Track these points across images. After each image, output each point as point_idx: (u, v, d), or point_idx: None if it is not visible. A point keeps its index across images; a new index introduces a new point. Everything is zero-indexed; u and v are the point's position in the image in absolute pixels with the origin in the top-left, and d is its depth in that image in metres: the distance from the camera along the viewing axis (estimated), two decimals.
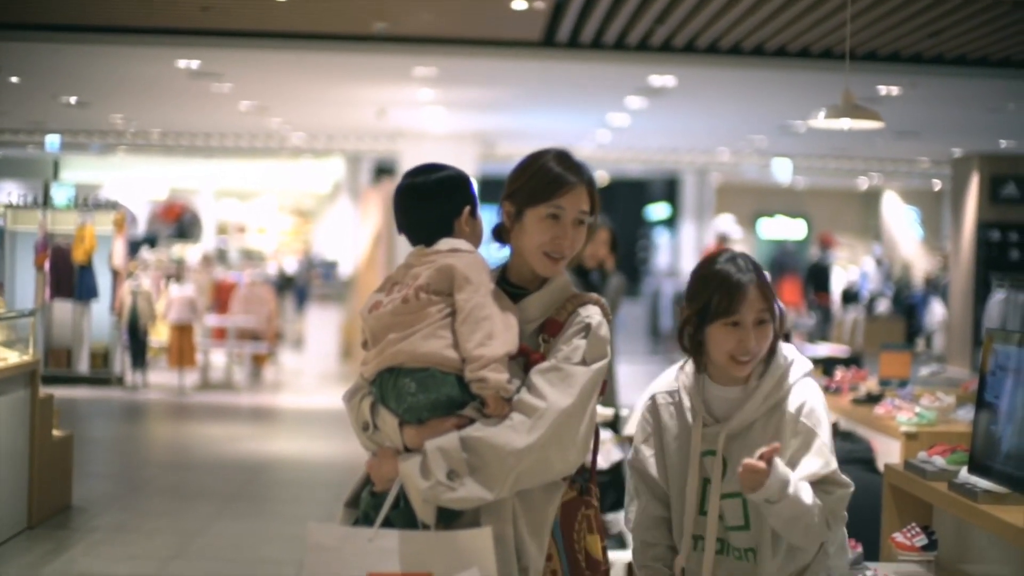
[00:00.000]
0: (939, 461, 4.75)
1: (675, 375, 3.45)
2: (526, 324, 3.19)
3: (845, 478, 3.23)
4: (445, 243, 3.23)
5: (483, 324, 3.09)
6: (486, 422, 3.06)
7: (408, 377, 3.12)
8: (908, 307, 22.82)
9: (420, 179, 3.27)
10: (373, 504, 3.15)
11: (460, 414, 3.09)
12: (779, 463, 3.11)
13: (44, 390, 8.38)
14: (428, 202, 3.27)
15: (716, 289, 3.24)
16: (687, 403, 3.37)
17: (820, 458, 3.22)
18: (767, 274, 3.34)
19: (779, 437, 3.24)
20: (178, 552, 7.87)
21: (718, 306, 3.24)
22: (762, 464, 3.08)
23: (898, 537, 4.70)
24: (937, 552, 4.66)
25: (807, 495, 3.16)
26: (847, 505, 3.25)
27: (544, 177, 3.21)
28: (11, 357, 7.91)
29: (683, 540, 3.35)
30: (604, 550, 3.28)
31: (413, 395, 3.11)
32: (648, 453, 3.42)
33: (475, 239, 3.28)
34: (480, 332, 3.07)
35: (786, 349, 3.34)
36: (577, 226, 3.21)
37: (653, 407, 3.46)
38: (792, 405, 3.26)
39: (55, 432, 8.54)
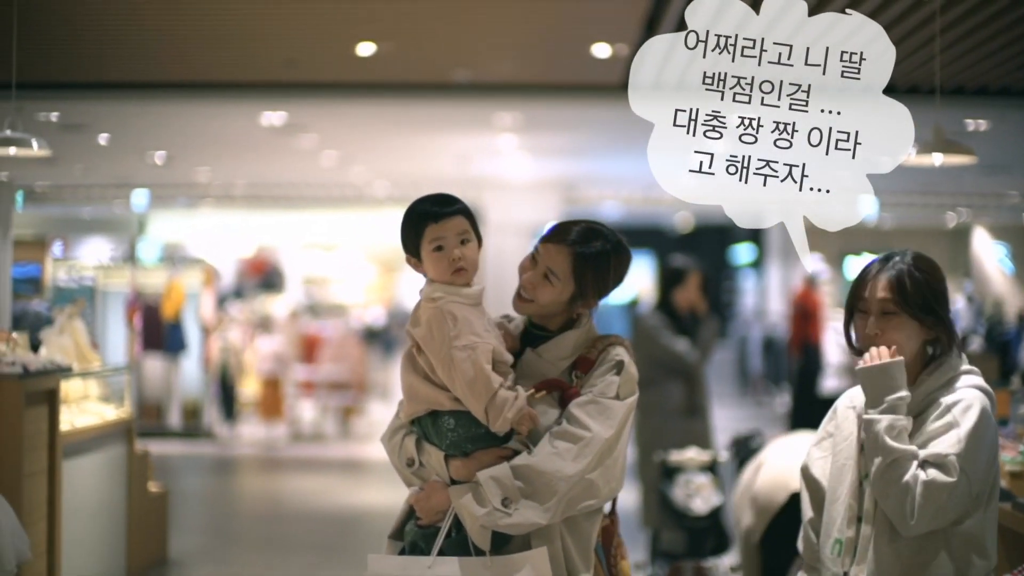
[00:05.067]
0: None
1: None
2: (560, 360, 3.44)
3: (953, 473, 3.19)
4: (423, 289, 3.50)
5: (461, 375, 3.26)
6: (532, 452, 3.28)
7: (447, 415, 3.33)
8: (1001, 344, 22.42)
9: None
10: (421, 535, 3.36)
11: (505, 446, 3.32)
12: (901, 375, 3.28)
13: (139, 445, 8.45)
14: None
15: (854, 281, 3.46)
16: (861, 402, 3.47)
17: (949, 445, 3.23)
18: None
19: (925, 422, 3.31)
20: None
21: (850, 295, 3.46)
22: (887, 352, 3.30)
23: None
24: None
25: (906, 446, 3.23)
26: (942, 505, 3.19)
27: None
28: (107, 413, 7.98)
29: (828, 542, 3.42)
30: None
31: (453, 430, 3.33)
32: (817, 455, 3.54)
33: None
34: (468, 389, 3.26)
35: (967, 366, 3.40)
36: (544, 278, 3.48)
37: (833, 413, 3.60)
38: (950, 399, 3.31)
39: (151, 487, 8.60)
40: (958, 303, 24.86)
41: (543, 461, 3.23)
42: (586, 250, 3.44)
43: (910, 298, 3.35)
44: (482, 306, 3.42)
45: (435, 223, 3.40)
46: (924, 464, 3.21)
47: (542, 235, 3.52)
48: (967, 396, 3.29)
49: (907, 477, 3.19)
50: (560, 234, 3.47)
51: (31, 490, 6.48)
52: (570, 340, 3.45)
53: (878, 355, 3.33)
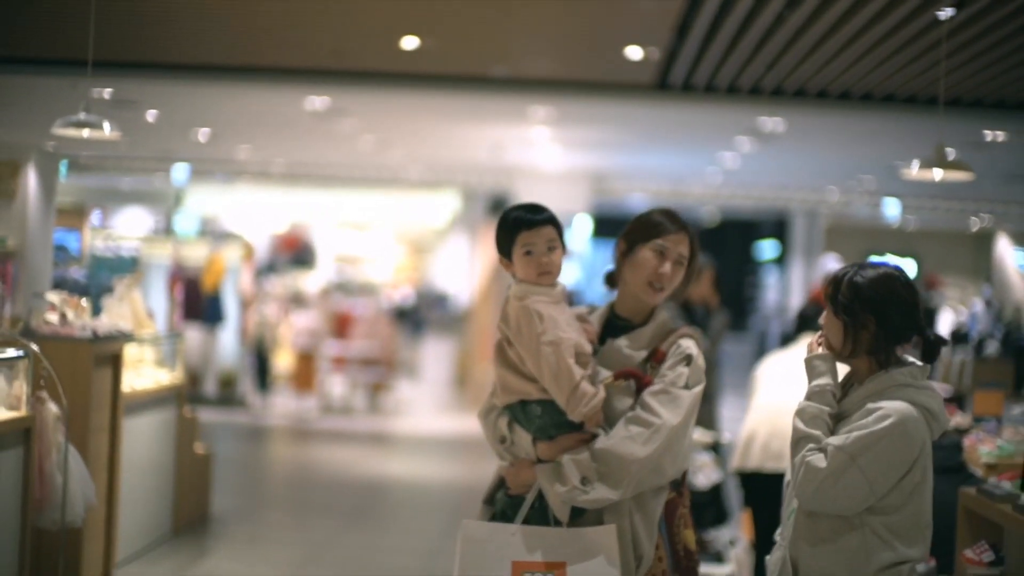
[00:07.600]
0: (1007, 485, 5.14)
1: None
2: (636, 351, 3.87)
3: (827, 461, 3.46)
4: (512, 289, 3.90)
5: (547, 367, 3.71)
6: (608, 435, 3.72)
7: (535, 403, 3.80)
8: (1018, 349, 22.56)
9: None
10: (510, 504, 3.83)
11: (584, 431, 3.76)
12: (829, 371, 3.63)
13: (187, 409, 8.96)
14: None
15: None
16: None
17: (840, 438, 3.49)
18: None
19: (852, 421, 3.55)
20: (310, 560, 8.41)
21: None
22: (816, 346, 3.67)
23: (968, 553, 5.09)
24: (1003, 568, 5.01)
25: (810, 429, 3.56)
26: (821, 487, 3.47)
27: (651, 221, 3.90)
28: (161, 377, 8.52)
29: (787, 509, 3.73)
30: (696, 542, 3.91)
31: (540, 417, 3.80)
32: None
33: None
34: (553, 381, 3.70)
35: (919, 383, 3.60)
36: (676, 266, 3.87)
37: None
38: (876, 405, 3.53)
39: (197, 448, 9.13)
40: (976, 306, 25.08)
41: (618, 444, 3.68)
42: (693, 228, 3.94)
43: (838, 296, 3.63)
44: (563, 303, 3.85)
45: (528, 230, 3.83)
46: (818, 449, 3.53)
47: (650, 229, 3.89)
48: (890, 407, 3.49)
49: (798, 456, 3.55)
50: (670, 226, 3.88)
51: (95, 444, 7.04)
52: (647, 333, 3.89)
53: (813, 347, 3.71)
